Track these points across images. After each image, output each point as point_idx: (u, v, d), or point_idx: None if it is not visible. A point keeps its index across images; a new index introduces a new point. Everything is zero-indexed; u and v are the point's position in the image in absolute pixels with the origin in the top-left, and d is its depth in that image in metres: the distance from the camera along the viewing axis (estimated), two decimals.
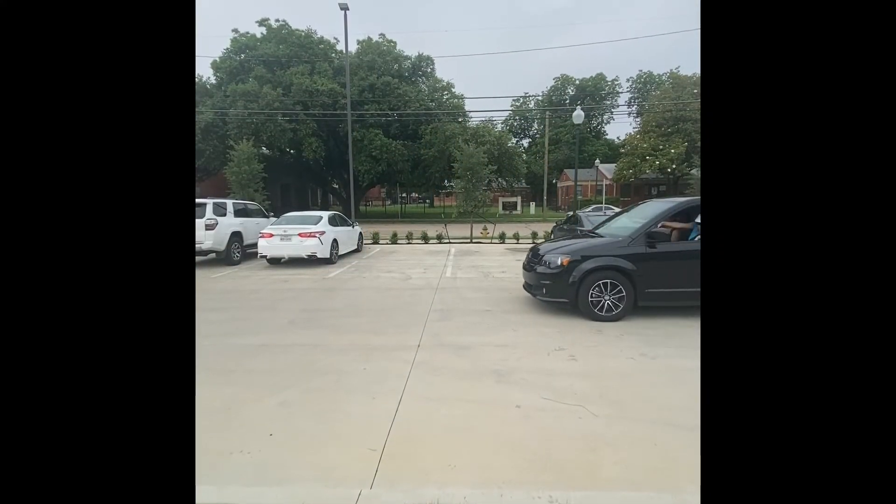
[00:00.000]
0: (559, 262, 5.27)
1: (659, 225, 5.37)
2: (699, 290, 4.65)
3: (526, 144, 47.37)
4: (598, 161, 37.52)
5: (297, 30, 25.90)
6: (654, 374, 3.56)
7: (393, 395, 3.16)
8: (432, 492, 2.12)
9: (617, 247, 5.24)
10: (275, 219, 11.25)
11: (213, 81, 25.33)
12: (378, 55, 25.77)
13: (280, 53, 24.67)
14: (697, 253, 5.05)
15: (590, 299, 5.09)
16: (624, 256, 5.13)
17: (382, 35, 27.67)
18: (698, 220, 5.40)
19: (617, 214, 7.23)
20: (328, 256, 9.66)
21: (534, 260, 5.74)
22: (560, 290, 5.25)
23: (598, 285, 5.08)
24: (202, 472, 2.23)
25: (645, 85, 42.15)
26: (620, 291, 5.06)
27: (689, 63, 33.10)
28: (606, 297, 5.08)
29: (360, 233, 12.72)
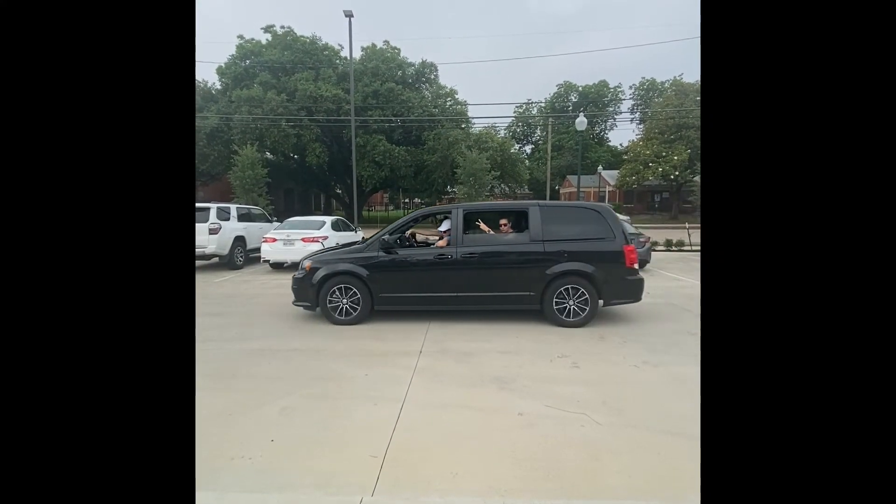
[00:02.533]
0: (304, 267, 5.46)
1: (407, 232, 5.51)
2: (436, 294, 4.78)
3: (529, 151, 47.38)
4: (600, 167, 37.52)
5: (301, 36, 26.11)
6: (657, 382, 3.54)
7: (395, 402, 3.15)
8: (434, 500, 2.11)
9: (355, 253, 5.42)
10: (278, 223, 11.28)
11: (219, 87, 25.51)
12: (382, 62, 25.94)
13: (285, 59, 24.87)
14: (434, 261, 5.22)
15: (328, 304, 5.26)
16: (360, 262, 5.29)
17: (386, 42, 27.89)
18: (441, 227, 5.60)
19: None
20: None
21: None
22: (304, 294, 5.39)
23: (336, 290, 5.25)
24: (202, 478, 2.23)
25: (647, 92, 42.21)
26: (356, 295, 5.22)
27: (693, 70, 33.24)
28: (344, 302, 5.25)
29: (363, 238, 12.74)
